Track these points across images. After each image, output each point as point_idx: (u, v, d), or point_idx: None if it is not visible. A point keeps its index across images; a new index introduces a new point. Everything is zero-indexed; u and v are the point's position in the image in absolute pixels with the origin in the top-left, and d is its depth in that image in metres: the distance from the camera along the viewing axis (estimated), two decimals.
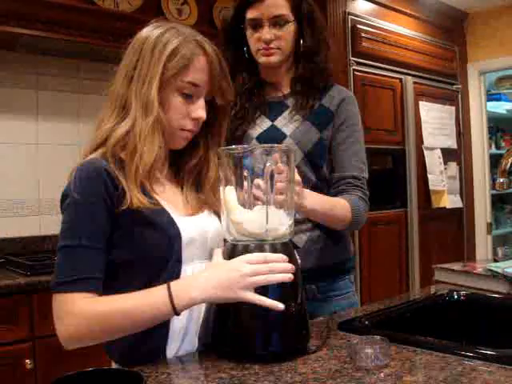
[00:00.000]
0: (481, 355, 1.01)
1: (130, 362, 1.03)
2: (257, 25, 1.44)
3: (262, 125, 1.51)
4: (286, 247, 1.08)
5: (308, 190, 1.30)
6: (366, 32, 3.25)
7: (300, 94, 1.50)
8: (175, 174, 1.19)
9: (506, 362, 0.97)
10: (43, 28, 2.24)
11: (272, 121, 1.50)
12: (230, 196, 1.06)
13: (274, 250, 1.05)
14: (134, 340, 1.04)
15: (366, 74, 3.24)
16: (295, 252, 1.12)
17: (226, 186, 1.08)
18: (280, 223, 1.08)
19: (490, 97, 4.43)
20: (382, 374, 0.94)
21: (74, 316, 0.97)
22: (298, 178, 1.18)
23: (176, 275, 1.05)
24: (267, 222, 1.06)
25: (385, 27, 3.40)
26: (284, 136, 1.48)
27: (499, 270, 1.58)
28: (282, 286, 1.04)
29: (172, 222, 1.06)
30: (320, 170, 1.51)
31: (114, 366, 1.11)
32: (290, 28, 1.45)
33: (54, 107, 2.67)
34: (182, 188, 1.17)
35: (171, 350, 1.07)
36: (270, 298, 1.01)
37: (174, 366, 1.05)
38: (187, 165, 1.17)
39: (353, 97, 1.57)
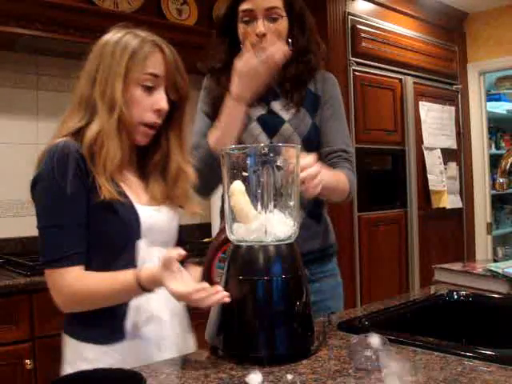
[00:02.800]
0: (481, 355, 1.01)
1: (88, 339, 1.12)
2: (250, 18, 1.46)
3: (259, 108, 1.54)
4: (290, 248, 1.09)
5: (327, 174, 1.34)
6: (366, 32, 3.25)
7: (290, 92, 1.54)
8: (142, 169, 1.25)
9: (506, 362, 0.97)
10: (43, 28, 2.25)
11: (268, 104, 1.54)
12: (242, 202, 1.07)
13: (278, 251, 1.06)
14: (94, 317, 1.10)
15: (365, 74, 3.24)
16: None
17: (228, 184, 1.09)
18: (283, 226, 1.09)
19: (490, 97, 4.43)
20: (382, 374, 0.94)
21: (62, 290, 1.08)
22: (316, 169, 1.23)
23: (132, 260, 1.13)
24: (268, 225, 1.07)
25: (385, 27, 3.40)
26: (282, 121, 1.52)
27: (499, 270, 1.58)
28: (286, 283, 1.05)
29: (133, 209, 1.13)
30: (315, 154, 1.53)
31: (65, 339, 1.16)
32: (283, 23, 1.48)
33: (53, 107, 2.67)
34: (148, 183, 1.23)
35: (129, 327, 1.13)
36: (273, 296, 1.03)
37: (174, 365, 1.05)
38: (152, 159, 1.24)
39: (334, 78, 1.63)
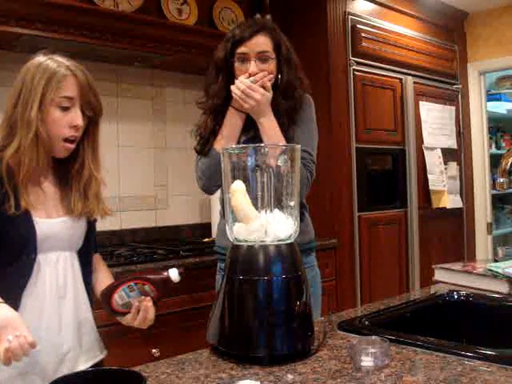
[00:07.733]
0: (481, 355, 1.01)
1: None
2: (245, 59, 1.68)
3: (247, 133, 1.72)
4: (290, 248, 1.09)
5: (273, 118, 1.64)
6: (366, 32, 3.25)
7: (280, 123, 1.69)
8: (64, 180, 1.37)
9: (506, 362, 0.97)
10: (43, 28, 2.24)
11: (255, 130, 1.70)
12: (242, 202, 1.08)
13: (278, 251, 1.06)
14: None
15: (366, 74, 3.24)
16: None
17: (228, 186, 1.09)
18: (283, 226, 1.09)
19: (490, 97, 4.42)
20: (382, 374, 0.94)
21: None
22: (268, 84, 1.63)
23: (30, 263, 1.26)
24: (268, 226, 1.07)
25: (385, 27, 3.40)
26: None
27: (499, 270, 1.58)
28: (286, 283, 1.05)
29: (31, 223, 1.25)
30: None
31: None
32: (272, 64, 1.70)
33: None
34: (68, 194, 1.36)
35: None
36: (274, 296, 1.04)
37: (174, 366, 1.05)
38: (73, 168, 1.37)
39: (309, 98, 1.80)
